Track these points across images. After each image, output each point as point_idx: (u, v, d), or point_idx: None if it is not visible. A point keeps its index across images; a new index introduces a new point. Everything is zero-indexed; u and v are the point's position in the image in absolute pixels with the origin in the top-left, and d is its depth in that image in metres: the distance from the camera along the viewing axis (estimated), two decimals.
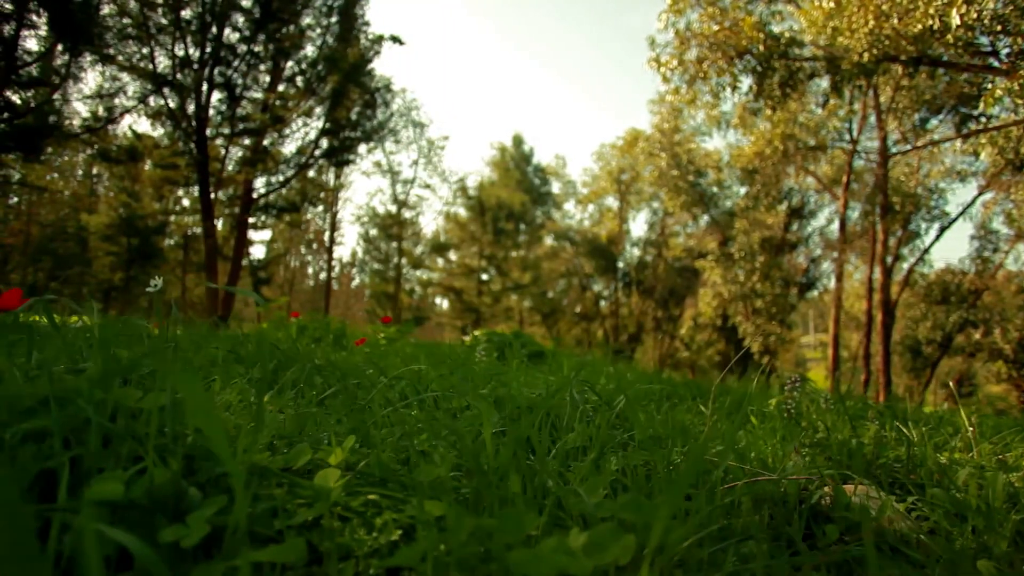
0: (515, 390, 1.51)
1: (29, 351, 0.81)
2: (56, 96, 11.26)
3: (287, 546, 0.57)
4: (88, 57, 11.50)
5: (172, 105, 13.79)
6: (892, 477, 1.54)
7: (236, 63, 14.37)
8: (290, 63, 15.85)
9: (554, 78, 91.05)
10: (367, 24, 17.29)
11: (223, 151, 15.76)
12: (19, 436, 0.66)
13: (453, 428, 0.90)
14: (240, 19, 14.67)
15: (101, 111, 13.37)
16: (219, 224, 17.97)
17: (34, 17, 9.94)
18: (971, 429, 1.78)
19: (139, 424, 0.78)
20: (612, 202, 33.42)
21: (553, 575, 0.48)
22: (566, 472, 1.01)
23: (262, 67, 15.37)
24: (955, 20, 6.75)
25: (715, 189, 25.16)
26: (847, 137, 18.65)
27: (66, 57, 11.56)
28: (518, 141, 32.79)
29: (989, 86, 8.41)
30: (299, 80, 16.21)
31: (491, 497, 0.77)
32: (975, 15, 7.33)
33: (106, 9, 11.58)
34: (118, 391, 0.82)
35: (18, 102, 10.17)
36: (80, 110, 14.39)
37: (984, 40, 8.02)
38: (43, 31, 10.58)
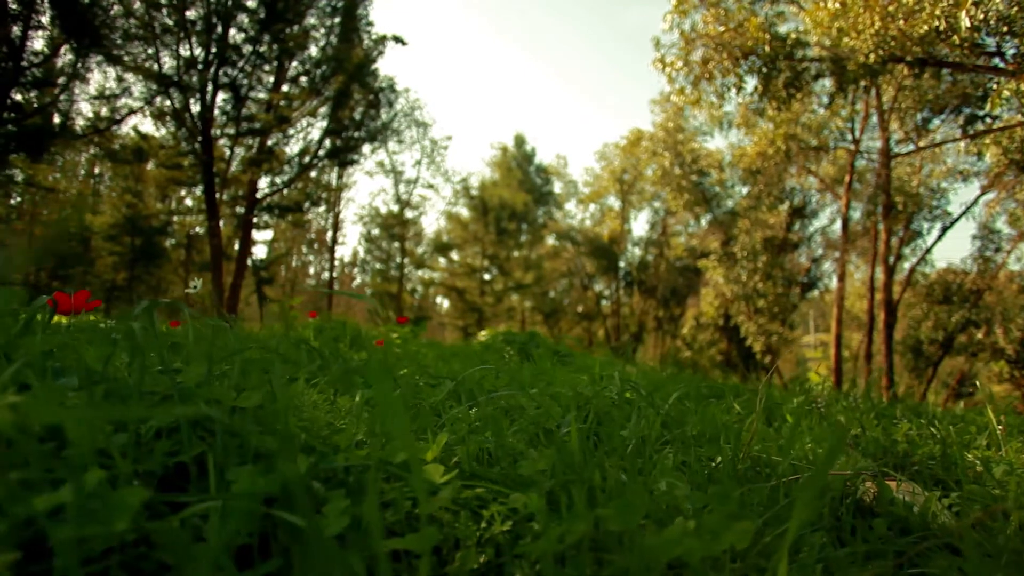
0: (564, 388, 1.55)
1: (134, 353, 0.85)
2: (63, 97, 11.29)
3: (422, 535, 0.61)
4: (94, 58, 11.54)
5: (178, 106, 13.82)
6: (927, 474, 1.58)
7: (241, 63, 14.41)
8: (295, 63, 15.89)
9: (553, 77, 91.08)
10: (371, 24, 17.33)
11: (228, 151, 15.80)
12: (152, 432, 0.70)
13: (537, 422, 0.94)
14: (245, 20, 14.71)
15: (106, 112, 13.41)
16: (221, 224, 18.00)
17: (42, 18, 9.98)
18: (1000, 428, 1.82)
19: (242, 421, 0.82)
20: (614, 202, 33.49)
21: (690, 558, 0.52)
22: (631, 466, 1.05)
23: (267, 67, 15.41)
24: (965, 22, 6.79)
25: (717, 189, 25.23)
26: (849, 137, 18.70)
27: (70, 58, 11.61)
28: (520, 141, 32.85)
29: (995, 87, 8.45)
30: (303, 80, 16.25)
31: (580, 490, 0.81)
32: (981, 16, 7.38)
33: (112, 10, 11.61)
34: (218, 389, 0.86)
35: (25, 103, 10.20)
36: (85, 110, 14.43)
37: (990, 41, 8.07)
38: (51, 32, 10.62)
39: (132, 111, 13.31)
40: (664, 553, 0.54)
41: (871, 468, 1.43)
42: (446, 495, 0.67)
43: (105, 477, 0.51)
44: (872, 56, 8.72)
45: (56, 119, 11.91)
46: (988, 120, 9.34)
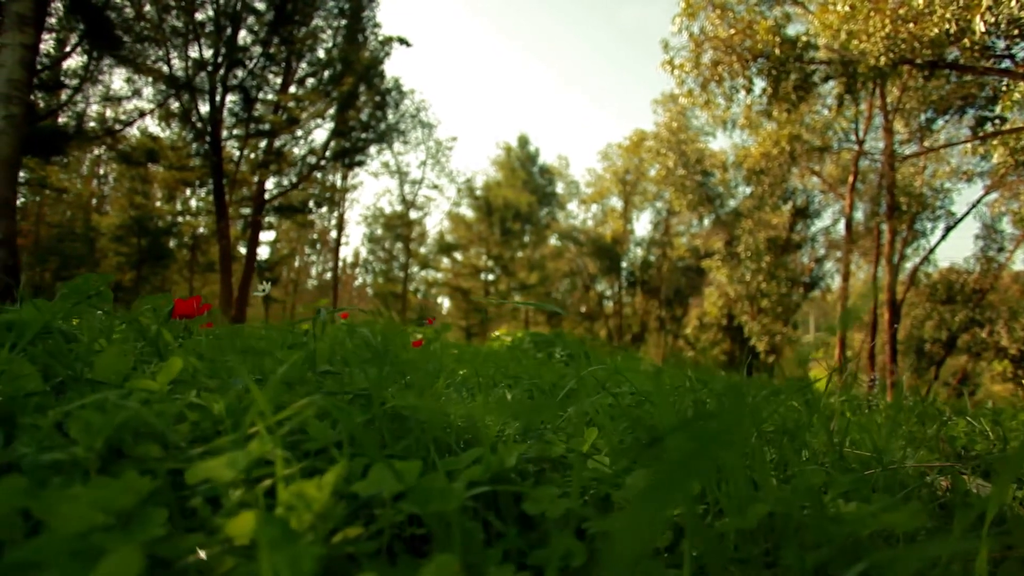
0: (639, 388, 1.62)
1: (312, 356, 0.92)
2: (77, 98, 11.35)
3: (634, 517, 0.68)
4: (106, 60, 11.59)
5: (187, 107, 13.88)
6: (987, 469, 1.66)
7: (251, 65, 14.47)
8: (303, 64, 15.95)
9: (553, 77, 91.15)
10: (378, 26, 17.39)
11: (237, 152, 15.86)
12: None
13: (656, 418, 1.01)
14: (254, 22, 14.76)
15: (117, 113, 13.48)
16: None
17: (52, 20, 10.03)
18: None
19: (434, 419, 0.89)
20: (616, 202, 33.58)
21: (871, 528, 0.60)
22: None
23: (275, 69, 15.46)
24: (980, 27, 6.88)
25: (720, 189, 25.33)
26: (853, 138, 18.80)
27: (81, 60, 11.66)
28: (523, 141, 32.95)
29: (1005, 88, 8.54)
30: (311, 82, 16.31)
31: (741, 476, 0.89)
32: (992, 19, 7.47)
33: (125, 12, 11.66)
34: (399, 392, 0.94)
35: (40, 105, 10.26)
36: (96, 112, 14.46)
37: (1000, 44, 8.16)
38: (59, 34, 10.68)
39: (143, 113, 13.37)
40: (867, 525, 0.62)
41: (938, 462, 1.50)
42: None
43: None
44: (883, 59, 8.81)
45: (66, 121, 11.96)
46: (997, 122, 9.45)
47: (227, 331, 1.25)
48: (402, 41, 19.18)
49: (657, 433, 1.11)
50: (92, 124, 13.12)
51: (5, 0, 4.87)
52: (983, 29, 6.97)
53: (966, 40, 7.91)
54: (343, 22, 17.12)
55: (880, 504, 0.73)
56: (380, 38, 18.12)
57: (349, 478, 0.57)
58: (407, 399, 0.85)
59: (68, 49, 10.63)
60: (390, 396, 0.85)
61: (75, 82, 11.16)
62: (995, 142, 9.95)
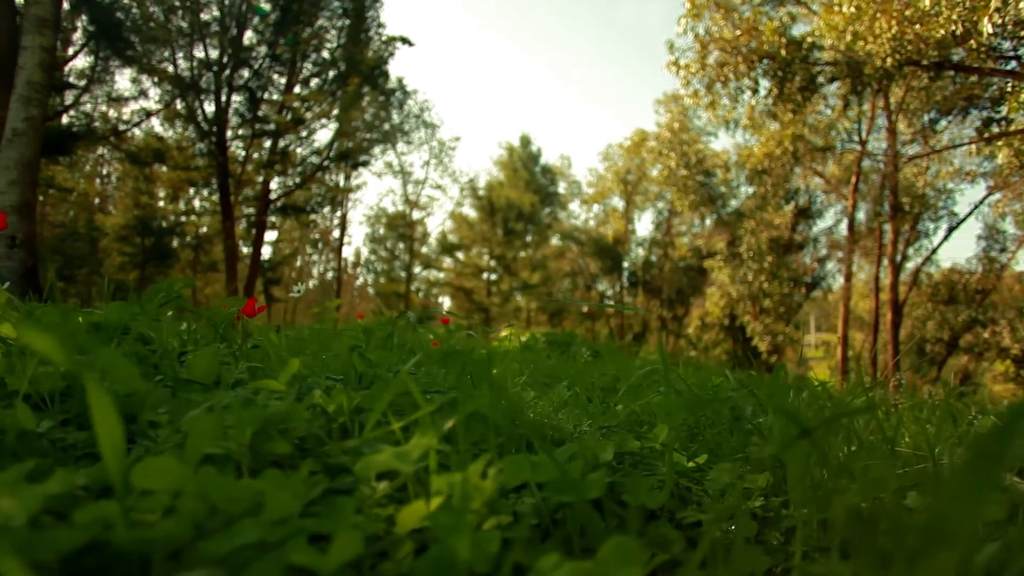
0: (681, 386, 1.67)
1: (408, 353, 0.96)
2: (84, 99, 11.38)
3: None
4: (114, 60, 11.62)
5: (194, 108, 13.91)
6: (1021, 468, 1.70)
7: (256, 65, 14.49)
8: (308, 65, 15.97)
9: (553, 75, 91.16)
10: (382, 26, 17.41)
11: (242, 153, 15.88)
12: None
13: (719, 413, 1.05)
14: (259, 22, 14.78)
15: (124, 114, 13.51)
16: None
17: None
18: None
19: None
20: (617, 202, 33.61)
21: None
22: None
23: (280, 69, 15.49)
24: (987, 28, 6.92)
25: (723, 189, 25.36)
26: (856, 138, 18.84)
27: (89, 61, 11.69)
28: (525, 141, 32.97)
29: (1010, 90, 8.59)
30: (315, 82, 16.33)
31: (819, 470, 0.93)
32: (999, 20, 7.51)
33: (132, 12, 11.69)
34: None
35: (49, 105, 10.28)
36: (100, 112, 14.48)
37: (1007, 45, 8.20)
38: (64, 35, 10.70)
39: (149, 113, 13.40)
40: (949, 516, 0.66)
41: None
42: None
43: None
44: (889, 60, 8.85)
45: (69, 121, 11.99)
46: (1004, 123, 9.49)
47: (303, 332, 1.29)
48: (405, 41, 19.20)
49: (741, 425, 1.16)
50: (98, 124, 13.14)
51: (25, 3, 4.90)
52: (991, 30, 7.01)
53: (972, 41, 7.95)
54: (347, 22, 17.14)
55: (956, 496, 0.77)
56: (383, 38, 18.14)
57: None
58: (499, 399, 0.89)
59: (76, 50, 10.66)
60: (481, 396, 0.90)
61: (83, 83, 11.19)
62: (1000, 143, 9.99)
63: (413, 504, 0.50)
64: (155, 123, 15.41)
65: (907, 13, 8.65)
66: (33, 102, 4.83)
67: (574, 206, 35.95)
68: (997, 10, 6.85)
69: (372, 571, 0.48)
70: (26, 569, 0.30)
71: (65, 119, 10.77)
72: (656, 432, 1.01)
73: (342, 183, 22.70)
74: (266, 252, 28.97)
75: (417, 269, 31.22)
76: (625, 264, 33.58)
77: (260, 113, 15.37)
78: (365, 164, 18.60)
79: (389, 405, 0.86)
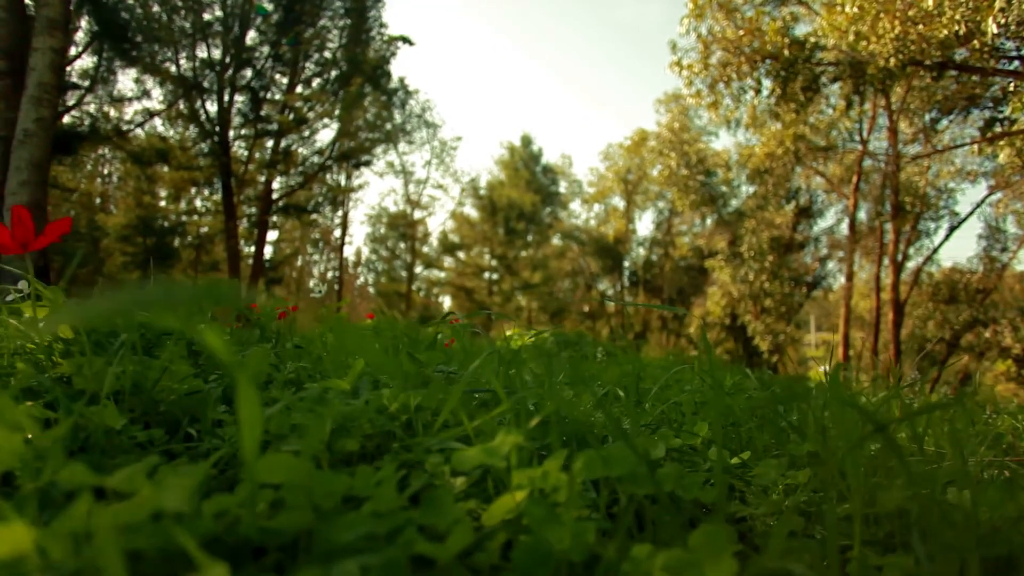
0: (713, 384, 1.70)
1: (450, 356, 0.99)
2: (88, 99, 11.39)
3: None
4: (117, 60, 11.63)
5: (197, 108, 13.93)
6: None
7: (259, 65, 14.51)
8: (310, 65, 15.99)
9: (554, 75, 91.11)
10: (384, 26, 17.42)
11: (245, 152, 15.90)
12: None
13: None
14: (261, 22, 14.80)
15: (122, 113, 13.52)
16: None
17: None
18: None
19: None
20: (618, 202, 33.65)
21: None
22: None
23: (283, 69, 15.51)
24: (992, 28, 6.95)
25: (724, 188, 25.40)
26: (857, 138, 18.88)
27: (92, 61, 11.70)
28: (527, 141, 33.00)
29: (1013, 89, 8.61)
30: (317, 82, 16.35)
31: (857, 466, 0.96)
32: (1003, 21, 7.54)
33: (136, 12, 11.70)
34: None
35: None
36: (102, 112, 14.50)
37: (1010, 45, 8.23)
38: (80, 36, 10.72)
39: (153, 114, 13.42)
40: (1004, 510, 0.68)
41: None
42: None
43: None
44: (892, 60, 8.88)
45: (72, 121, 12.00)
46: (1007, 123, 9.53)
47: (346, 331, 1.31)
48: (405, 40, 19.21)
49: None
50: (100, 124, 13.15)
51: (36, 5, 4.92)
52: (995, 30, 7.05)
53: (976, 41, 7.98)
54: (348, 22, 17.15)
55: (995, 493, 0.80)
56: (385, 38, 18.15)
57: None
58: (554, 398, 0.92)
59: (79, 50, 10.67)
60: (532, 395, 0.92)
61: (87, 83, 11.21)
62: (1002, 143, 10.02)
63: (502, 497, 0.53)
64: (157, 123, 15.44)
65: (910, 13, 8.68)
66: (44, 103, 4.85)
67: (575, 205, 36.02)
68: (1002, 10, 6.88)
69: (467, 559, 0.51)
70: (201, 550, 0.33)
71: (67, 119, 10.78)
72: (697, 428, 1.03)
73: (344, 183, 22.72)
74: (267, 252, 28.99)
75: (418, 269, 31.27)
76: (626, 263, 33.63)
77: (262, 113, 15.39)
78: (367, 164, 18.64)
79: (442, 405, 0.89)
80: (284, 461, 0.45)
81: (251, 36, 14.69)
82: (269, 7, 14.55)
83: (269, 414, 0.73)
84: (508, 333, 7.97)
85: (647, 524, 0.65)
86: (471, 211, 32.14)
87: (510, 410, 0.71)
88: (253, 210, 17.15)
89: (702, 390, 1.65)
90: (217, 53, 14.27)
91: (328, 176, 19.75)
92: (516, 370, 1.10)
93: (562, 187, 34.72)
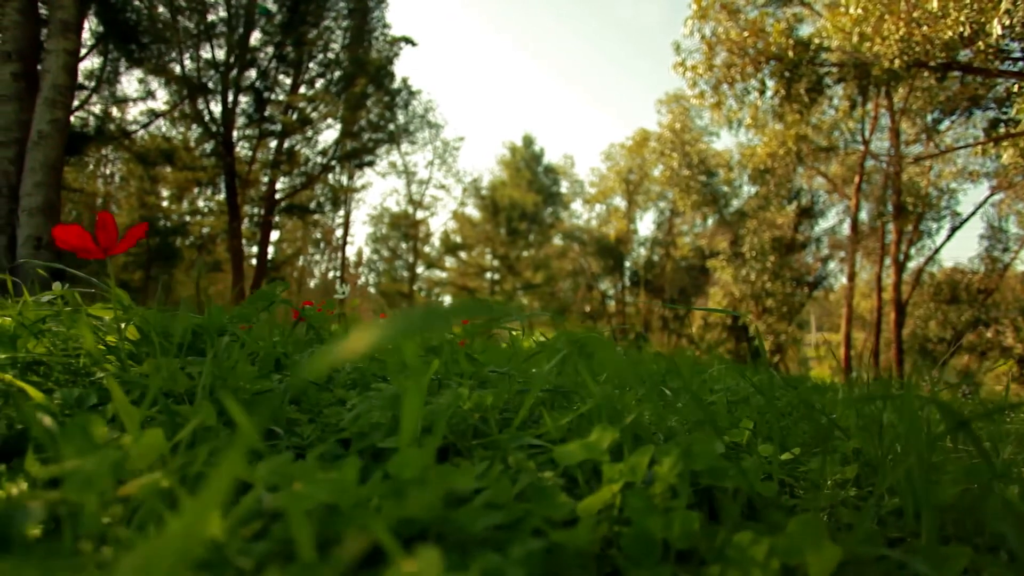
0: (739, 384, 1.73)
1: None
2: (94, 100, 11.42)
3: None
4: (123, 61, 11.66)
5: (201, 108, 13.96)
6: None
7: (263, 66, 14.54)
8: (313, 65, 16.02)
9: (556, 75, 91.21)
10: (387, 27, 17.46)
11: (249, 153, 15.94)
12: None
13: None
14: (265, 22, 14.83)
15: (125, 113, 13.55)
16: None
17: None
18: None
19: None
20: (619, 202, 33.69)
21: None
22: None
23: (287, 70, 15.54)
24: (997, 30, 6.99)
25: (725, 188, 25.45)
26: (859, 138, 18.92)
27: (98, 61, 11.73)
28: (528, 141, 33.03)
29: (1017, 90, 8.65)
30: (321, 83, 16.38)
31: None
32: (1007, 22, 7.58)
33: (143, 13, 11.73)
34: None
35: None
36: (106, 114, 14.52)
37: (1015, 46, 8.27)
38: (86, 36, 10.73)
39: (157, 114, 13.46)
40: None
41: None
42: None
43: None
44: (897, 61, 8.91)
45: (75, 121, 12.02)
46: (1011, 124, 9.57)
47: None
48: (409, 41, 19.25)
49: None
50: (105, 125, 13.18)
51: (50, 7, 4.95)
52: (1000, 32, 7.09)
53: (980, 43, 8.01)
54: (352, 23, 17.18)
55: None
56: (388, 38, 18.18)
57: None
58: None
59: (85, 51, 10.70)
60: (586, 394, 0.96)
61: (92, 84, 11.24)
62: (1005, 143, 10.06)
63: (601, 489, 0.56)
64: (160, 123, 15.46)
65: (915, 15, 8.72)
66: (58, 105, 4.88)
67: (576, 206, 36.06)
68: (1007, 12, 6.91)
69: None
70: (392, 536, 0.36)
71: (73, 119, 10.79)
72: (743, 425, 1.06)
73: (346, 183, 22.77)
74: (269, 252, 29.01)
75: (420, 269, 31.32)
76: (627, 264, 33.67)
77: (266, 113, 15.42)
78: (370, 164, 18.67)
79: (515, 403, 0.93)
80: (413, 456, 0.48)
81: (255, 37, 14.73)
82: (272, 7, 14.59)
83: (357, 411, 0.76)
84: (514, 332, 7.97)
85: (719, 514, 0.68)
86: (473, 211, 32.21)
87: (592, 409, 0.74)
88: (256, 210, 17.19)
89: (734, 389, 1.68)
90: (221, 54, 14.30)
91: (331, 176, 19.80)
92: (575, 369, 1.13)
93: (564, 187, 34.79)
